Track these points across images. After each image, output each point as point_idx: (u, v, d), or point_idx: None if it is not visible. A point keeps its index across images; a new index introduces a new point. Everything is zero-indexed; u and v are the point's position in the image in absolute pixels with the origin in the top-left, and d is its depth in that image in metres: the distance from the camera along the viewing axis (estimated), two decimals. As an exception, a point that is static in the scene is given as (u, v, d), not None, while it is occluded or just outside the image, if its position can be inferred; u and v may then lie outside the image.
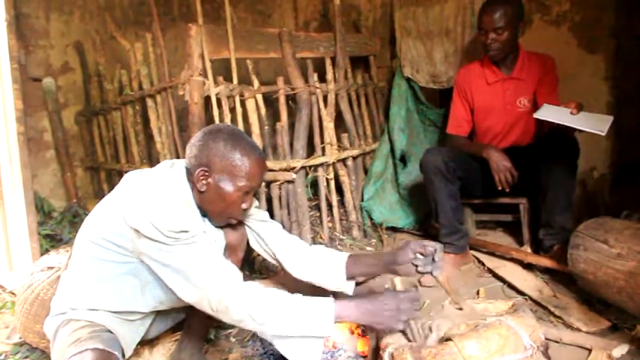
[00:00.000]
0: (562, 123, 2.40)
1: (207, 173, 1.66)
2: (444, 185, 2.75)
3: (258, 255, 2.17)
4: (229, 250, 1.86)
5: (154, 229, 1.50)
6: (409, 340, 1.65)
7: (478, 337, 1.47)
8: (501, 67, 2.93)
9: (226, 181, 1.67)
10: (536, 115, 2.54)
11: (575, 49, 3.30)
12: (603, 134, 2.31)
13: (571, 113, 2.43)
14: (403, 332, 1.69)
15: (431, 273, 1.82)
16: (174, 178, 1.68)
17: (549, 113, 2.50)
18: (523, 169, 2.69)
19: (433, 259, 1.80)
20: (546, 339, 1.65)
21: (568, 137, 2.56)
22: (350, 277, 1.93)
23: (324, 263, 1.93)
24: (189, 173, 1.71)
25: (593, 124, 2.35)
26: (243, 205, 1.74)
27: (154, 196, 1.56)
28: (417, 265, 1.81)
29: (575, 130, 2.42)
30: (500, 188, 2.68)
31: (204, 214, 1.77)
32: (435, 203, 2.81)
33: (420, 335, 1.65)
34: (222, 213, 1.74)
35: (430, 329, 1.67)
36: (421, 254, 1.81)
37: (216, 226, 1.82)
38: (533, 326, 1.57)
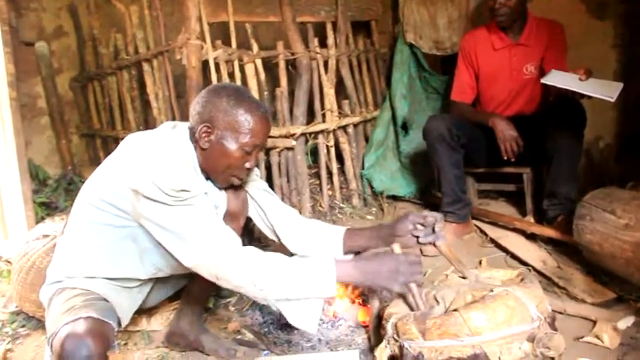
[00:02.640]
0: (570, 89, 2.35)
1: (209, 129, 1.64)
2: (448, 153, 2.70)
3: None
4: (231, 216, 1.82)
5: (154, 188, 1.47)
6: (412, 309, 1.62)
7: (485, 307, 1.44)
8: (509, 32, 2.86)
9: (229, 137, 1.64)
10: (543, 81, 2.49)
11: (583, 16, 3.21)
12: (613, 100, 2.27)
13: (580, 79, 2.37)
14: (404, 299, 1.66)
15: (433, 243, 1.81)
16: (176, 138, 1.66)
17: (557, 79, 2.45)
18: (528, 138, 2.65)
19: (433, 230, 1.79)
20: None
21: (575, 105, 2.51)
22: (347, 251, 1.90)
23: (322, 237, 1.91)
24: (193, 133, 1.68)
25: (603, 90, 2.30)
26: (247, 164, 1.70)
27: (155, 156, 1.53)
28: (417, 237, 1.81)
29: (583, 96, 2.37)
30: (505, 158, 2.64)
31: (207, 176, 1.74)
32: (438, 171, 2.78)
33: (424, 303, 1.62)
34: (224, 171, 1.70)
35: (436, 300, 1.63)
36: (421, 225, 1.80)
37: (220, 188, 1.79)
38: (541, 297, 1.53)
